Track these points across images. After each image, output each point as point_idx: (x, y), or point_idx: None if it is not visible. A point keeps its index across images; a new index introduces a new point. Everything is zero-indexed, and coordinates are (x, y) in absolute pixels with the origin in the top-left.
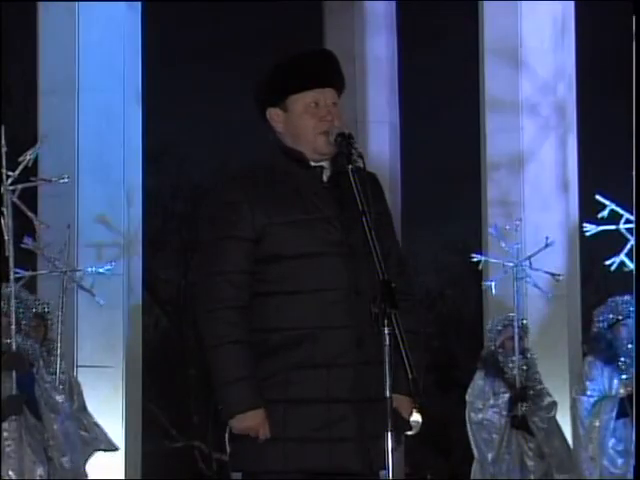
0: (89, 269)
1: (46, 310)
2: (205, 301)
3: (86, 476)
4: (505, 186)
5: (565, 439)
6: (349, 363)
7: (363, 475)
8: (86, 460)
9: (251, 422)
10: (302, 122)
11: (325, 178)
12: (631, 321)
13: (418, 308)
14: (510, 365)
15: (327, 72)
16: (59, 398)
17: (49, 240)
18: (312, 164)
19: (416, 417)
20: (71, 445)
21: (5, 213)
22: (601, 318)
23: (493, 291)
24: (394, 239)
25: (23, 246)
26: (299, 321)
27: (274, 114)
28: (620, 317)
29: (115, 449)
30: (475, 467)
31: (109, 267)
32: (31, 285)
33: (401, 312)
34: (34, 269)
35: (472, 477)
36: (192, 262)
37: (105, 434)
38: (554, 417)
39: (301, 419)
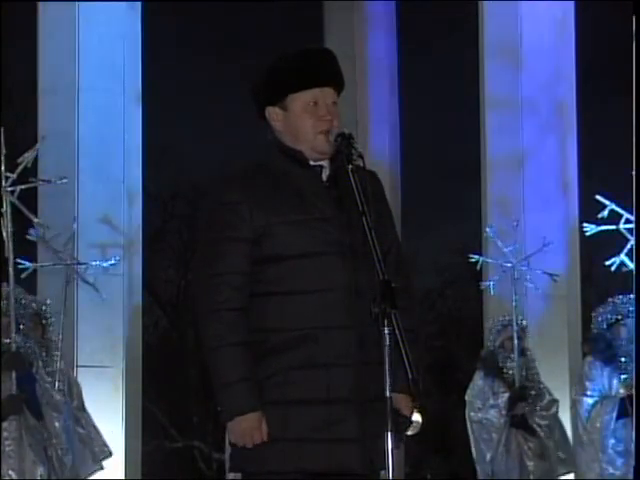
0: (93, 263)
1: (44, 309)
2: (204, 303)
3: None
4: (505, 186)
5: (567, 436)
6: (349, 363)
7: (363, 475)
8: (92, 471)
9: (249, 424)
10: (301, 121)
11: (324, 177)
12: (630, 321)
13: (415, 306)
14: (509, 365)
15: (327, 71)
16: (59, 397)
17: (59, 239)
18: (311, 163)
19: (416, 417)
20: (72, 444)
21: (4, 214)
22: (600, 318)
23: (491, 292)
24: (394, 237)
25: (28, 237)
26: (299, 321)
27: (273, 113)
28: (619, 317)
29: (109, 454)
30: (478, 467)
31: (113, 262)
32: (32, 280)
33: (398, 310)
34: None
35: (479, 477)
36: (192, 262)
37: (101, 436)
38: (556, 414)
39: (301, 420)
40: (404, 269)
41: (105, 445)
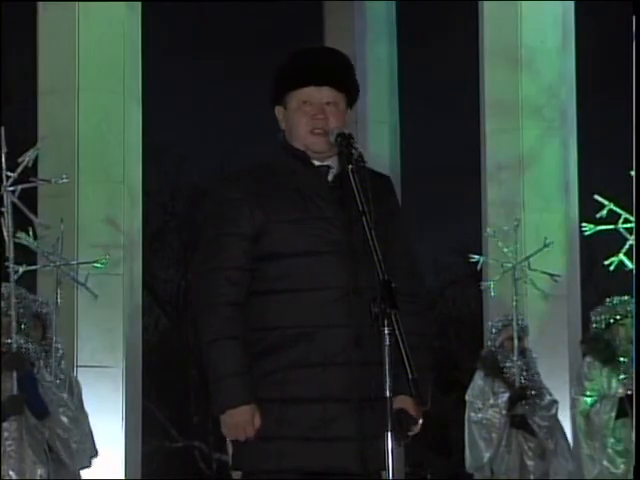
0: (85, 263)
1: (44, 310)
2: (203, 297)
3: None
4: (505, 186)
5: (566, 437)
6: (347, 362)
7: (360, 475)
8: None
9: (240, 417)
10: (296, 119)
11: (330, 177)
12: (629, 321)
13: (426, 310)
14: (509, 365)
15: (322, 70)
16: (62, 394)
17: (49, 240)
18: (316, 163)
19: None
20: (82, 432)
21: (5, 214)
22: (599, 318)
23: (491, 292)
24: (408, 239)
25: (16, 241)
26: (297, 319)
27: (278, 111)
28: (618, 317)
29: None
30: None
31: (103, 261)
32: (31, 282)
33: (409, 314)
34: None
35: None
36: (192, 258)
37: (92, 439)
38: (555, 415)
39: (298, 418)
40: (417, 272)
41: (94, 447)
